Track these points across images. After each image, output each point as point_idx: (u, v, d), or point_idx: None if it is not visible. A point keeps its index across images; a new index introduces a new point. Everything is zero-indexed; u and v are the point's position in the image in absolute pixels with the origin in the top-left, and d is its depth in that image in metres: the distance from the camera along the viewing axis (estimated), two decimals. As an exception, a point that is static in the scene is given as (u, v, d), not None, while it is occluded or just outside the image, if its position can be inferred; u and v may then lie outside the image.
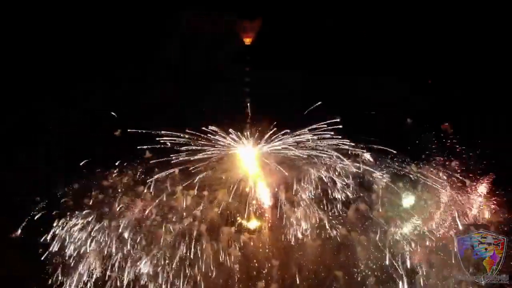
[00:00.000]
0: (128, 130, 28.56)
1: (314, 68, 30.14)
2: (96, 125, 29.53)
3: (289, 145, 28.24)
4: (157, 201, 27.24)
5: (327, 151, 27.90)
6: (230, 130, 28.55)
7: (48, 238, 26.62)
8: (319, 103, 28.54)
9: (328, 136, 27.97)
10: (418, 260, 25.92)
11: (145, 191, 27.60)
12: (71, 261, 26.15)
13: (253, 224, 27.31)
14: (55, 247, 26.26)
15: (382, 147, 27.67)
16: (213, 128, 28.33)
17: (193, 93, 30.14)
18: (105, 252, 26.09)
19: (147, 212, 27.10)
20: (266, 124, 28.74)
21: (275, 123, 28.31)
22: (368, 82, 29.51)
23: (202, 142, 28.43)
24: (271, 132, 28.37)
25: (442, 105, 28.75)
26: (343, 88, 29.10)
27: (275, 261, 26.15)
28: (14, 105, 30.27)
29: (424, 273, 25.67)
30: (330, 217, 26.70)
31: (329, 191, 27.24)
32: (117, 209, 27.19)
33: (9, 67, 30.26)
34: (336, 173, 27.48)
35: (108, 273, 25.95)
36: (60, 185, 28.26)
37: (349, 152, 27.58)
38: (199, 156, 28.13)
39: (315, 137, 28.12)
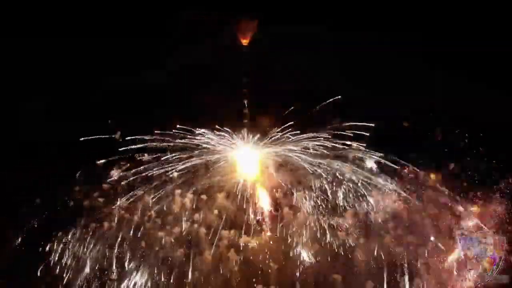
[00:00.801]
0: (127, 138, 28.55)
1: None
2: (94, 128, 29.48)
3: (291, 149, 28.17)
4: (155, 208, 27.11)
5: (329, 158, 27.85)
6: (229, 131, 28.55)
7: (47, 248, 26.49)
8: (338, 97, 28.29)
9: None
10: (418, 264, 25.96)
11: (145, 196, 27.50)
12: (70, 271, 25.94)
13: (252, 230, 27.00)
14: (54, 258, 26.14)
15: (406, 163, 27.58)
16: (207, 130, 28.34)
17: (191, 93, 30.08)
18: (105, 263, 25.94)
19: (145, 218, 26.99)
20: (265, 125, 28.72)
21: (275, 125, 28.26)
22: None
23: (199, 141, 28.43)
24: (273, 134, 28.25)
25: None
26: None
27: (274, 265, 26.07)
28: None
29: (424, 277, 25.73)
30: (331, 223, 26.53)
31: (330, 198, 27.10)
32: (116, 216, 27.09)
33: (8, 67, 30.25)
34: (338, 180, 27.35)
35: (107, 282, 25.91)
36: (59, 192, 28.25)
37: (350, 158, 27.47)
38: (198, 159, 28.12)
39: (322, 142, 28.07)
